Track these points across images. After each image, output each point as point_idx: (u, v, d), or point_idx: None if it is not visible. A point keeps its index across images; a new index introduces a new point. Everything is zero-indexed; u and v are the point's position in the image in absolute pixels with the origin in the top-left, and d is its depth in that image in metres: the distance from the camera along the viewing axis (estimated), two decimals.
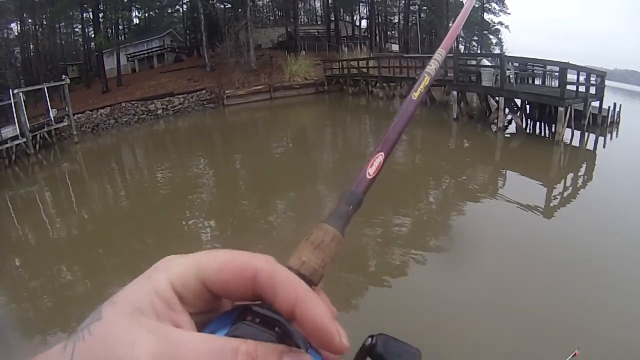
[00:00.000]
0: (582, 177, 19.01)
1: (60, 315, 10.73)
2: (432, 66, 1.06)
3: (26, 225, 19.21)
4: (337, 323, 0.56)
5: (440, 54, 1.12)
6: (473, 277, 10.02)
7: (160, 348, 0.49)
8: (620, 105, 28.79)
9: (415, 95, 0.96)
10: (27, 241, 17.68)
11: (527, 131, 25.38)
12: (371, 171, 0.81)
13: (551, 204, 15.05)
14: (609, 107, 27.00)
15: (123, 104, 46.12)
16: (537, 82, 33.66)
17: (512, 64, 26.90)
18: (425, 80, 1.00)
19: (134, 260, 12.87)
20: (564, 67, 22.58)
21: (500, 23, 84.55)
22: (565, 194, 16.53)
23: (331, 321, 0.55)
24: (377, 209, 14.68)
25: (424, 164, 22.04)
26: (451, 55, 37.08)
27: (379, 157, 0.84)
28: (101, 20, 56.52)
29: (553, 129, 23.76)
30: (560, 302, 8.96)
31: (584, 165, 20.56)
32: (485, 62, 29.36)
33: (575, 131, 23.66)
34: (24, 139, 34.38)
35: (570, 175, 19.02)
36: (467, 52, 75.23)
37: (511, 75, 26.16)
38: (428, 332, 8.15)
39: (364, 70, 45.38)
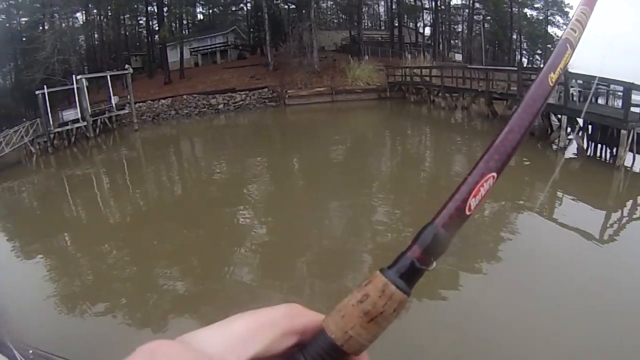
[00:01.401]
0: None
1: (102, 291, 10.73)
2: (576, 32, 0.80)
3: (80, 203, 19.68)
4: None
5: (584, 12, 0.82)
6: (518, 300, 9.38)
7: None
8: None
9: (552, 78, 0.72)
10: (80, 219, 18.01)
11: (588, 153, 24.31)
12: (473, 204, 0.62)
13: (606, 232, 14.13)
14: None
15: (185, 96, 46.61)
16: (601, 101, 32.61)
17: (576, 81, 25.86)
18: (567, 55, 0.76)
19: (182, 248, 12.95)
20: (628, 87, 21.28)
21: None
22: (621, 222, 15.58)
23: None
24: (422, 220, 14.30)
25: None
26: (515, 68, 36.30)
27: (490, 180, 0.64)
28: (165, 14, 57.26)
29: (614, 152, 22.70)
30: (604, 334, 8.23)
31: None
32: None
33: (637, 155, 22.60)
34: (85, 123, 35.20)
35: (629, 202, 18.00)
36: (531, 66, 73.81)
37: (574, 93, 25.16)
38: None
39: (427, 78, 44.59)
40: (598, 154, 24.07)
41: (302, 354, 0.54)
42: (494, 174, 0.63)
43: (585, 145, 23.79)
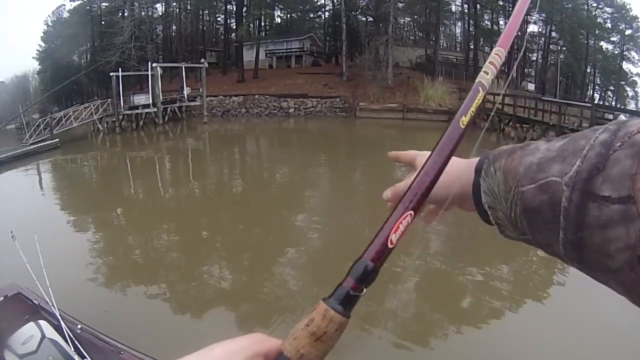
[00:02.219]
0: None
1: (148, 272, 10.76)
2: (489, 75, 0.88)
3: (140, 185, 19.97)
4: None
5: (498, 54, 0.92)
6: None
7: None
8: None
9: (464, 121, 0.82)
10: (136, 199, 18.31)
11: None
12: (394, 238, 0.70)
13: None
14: None
15: (256, 96, 46.96)
16: None
17: None
18: (479, 97, 0.84)
19: (234, 245, 12.84)
20: None
21: (639, 75, 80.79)
22: None
23: None
24: (477, 254, 13.30)
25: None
26: (589, 104, 35.28)
27: (407, 218, 0.72)
28: (244, 14, 58.01)
29: None
30: None
31: None
32: (622, 117, 27.34)
33: None
34: (155, 109, 35.90)
35: None
36: (602, 102, 72.26)
37: None
38: None
39: (499, 106, 43.84)
40: None
41: None
42: (411, 212, 0.70)
43: None
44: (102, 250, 11.96)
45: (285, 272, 10.77)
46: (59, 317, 5.64)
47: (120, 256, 11.68)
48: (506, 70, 58.11)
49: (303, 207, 17.26)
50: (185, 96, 40.53)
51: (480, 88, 0.82)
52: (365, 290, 0.65)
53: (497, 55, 0.89)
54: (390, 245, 0.66)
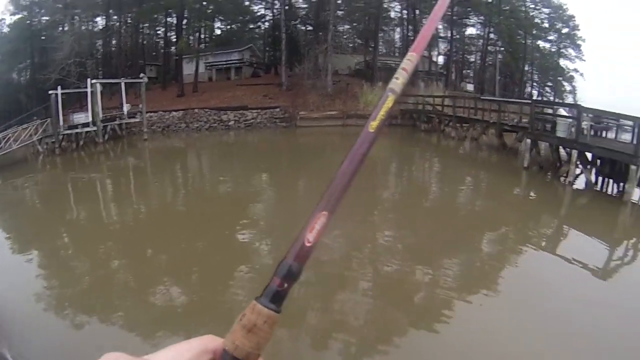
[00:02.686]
0: None
1: (97, 298, 10.70)
2: (400, 79, 0.92)
3: (82, 207, 19.71)
4: None
5: (410, 59, 0.95)
6: (514, 333, 9.30)
7: None
8: None
9: (372, 126, 0.86)
10: (79, 223, 18.05)
11: (597, 187, 24.27)
12: (311, 237, 0.77)
13: (610, 266, 14.12)
14: None
15: (196, 110, 46.93)
16: (610, 135, 32.56)
17: (588, 115, 25.88)
18: (388, 102, 0.89)
19: (180, 261, 12.97)
20: None
21: (575, 70, 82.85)
22: (626, 258, 15.57)
23: None
24: (428, 249, 14.50)
25: (485, 210, 20.88)
26: (529, 101, 36.37)
27: (322, 218, 0.78)
28: (184, 27, 57.90)
29: (622, 187, 22.69)
30: None
31: None
32: (562, 111, 28.41)
33: None
34: (95, 128, 35.44)
35: (633, 239, 17.96)
36: (541, 98, 73.90)
37: (586, 128, 25.21)
38: None
39: (439, 108, 44.75)
40: (606, 188, 24.09)
41: None
42: (325, 212, 0.77)
43: (593, 179, 23.77)
44: (47, 277, 12.08)
45: (236, 285, 11.24)
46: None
47: (66, 282, 11.71)
48: (445, 73, 59.54)
49: (247, 219, 17.61)
50: (125, 113, 39.96)
51: (390, 93, 0.88)
52: (291, 286, 0.75)
53: (409, 60, 0.94)
54: (307, 244, 0.75)
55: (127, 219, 18.14)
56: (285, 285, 0.74)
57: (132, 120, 40.78)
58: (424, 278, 12.21)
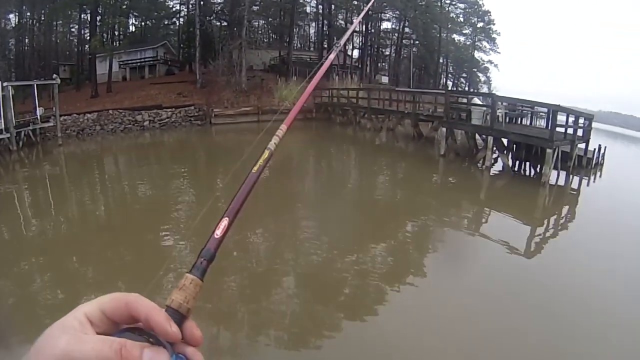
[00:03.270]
0: (565, 217, 19.25)
1: (19, 313, 10.76)
2: (273, 141, 1.40)
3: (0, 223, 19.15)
4: (171, 322, 0.87)
5: (282, 129, 1.49)
6: (446, 316, 10.02)
7: (72, 340, 0.80)
8: (605, 147, 29.71)
9: (255, 169, 1.26)
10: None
11: (514, 171, 25.56)
12: (219, 232, 1.09)
13: (533, 245, 15.06)
14: (594, 149, 27.65)
15: (110, 111, 45.86)
16: (525, 122, 34.01)
17: (502, 103, 27.06)
18: (264, 155, 1.31)
19: (105, 269, 13.04)
20: (555, 110, 22.78)
21: (490, 62, 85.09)
22: (547, 234, 16.68)
23: (165, 321, 0.86)
24: (354, 240, 15.06)
25: (406, 198, 21.94)
26: (443, 91, 37.67)
27: (225, 221, 1.12)
28: (98, 23, 56.51)
29: (539, 170, 24.07)
30: (535, 343, 9.09)
31: (567, 207, 20.91)
32: (477, 100, 29.71)
33: (560, 172, 24.03)
34: (8, 135, 34.06)
35: (553, 217, 19.16)
36: (455, 89, 75.67)
37: (501, 115, 26.38)
38: None
39: (354, 100, 45.76)
40: (523, 171, 25.46)
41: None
42: (227, 218, 1.13)
43: (510, 164, 25.06)
44: None
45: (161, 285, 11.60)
46: None
47: None
48: (359, 66, 60.30)
49: (168, 223, 17.73)
50: (39, 117, 38.72)
51: (266, 150, 1.32)
52: (210, 264, 1.04)
53: (281, 130, 1.47)
54: (216, 236, 1.07)
55: (47, 231, 17.87)
56: (205, 262, 1.03)
57: (46, 124, 39.61)
58: (350, 267, 12.90)
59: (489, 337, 9.16)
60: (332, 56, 2.11)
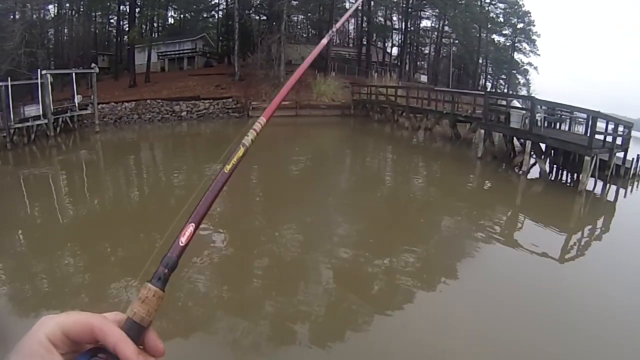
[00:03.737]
0: (600, 228, 18.33)
1: (55, 298, 10.58)
2: (250, 137, 1.27)
3: (36, 205, 19.17)
4: (140, 356, 0.88)
5: (260, 122, 1.34)
6: (474, 322, 9.43)
7: None
8: None
9: (227, 168, 1.17)
10: (34, 221, 17.48)
11: (550, 177, 24.81)
12: (183, 240, 1.03)
13: (566, 254, 14.49)
14: (633, 158, 26.50)
15: (148, 101, 46.16)
16: (564, 127, 33.12)
17: (542, 107, 26.35)
18: (239, 152, 1.20)
19: (138, 254, 12.56)
20: (595, 116, 21.72)
21: (530, 64, 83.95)
22: (581, 244, 16.00)
23: (133, 354, 0.87)
24: (384, 241, 14.54)
25: (440, 199, 21.18)
26: (482, 92, 36.89)
27: (190, 228, 1.06)
28: (137, 15, 56.83)
29: (575, 177, 23.26)
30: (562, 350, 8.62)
31: (603, 217, 19.82)
32: (516, 103, 28.89)
33: (597, 181, 23.20)
34: (46, 120, 34.50)
35: (588, 227, 18.45)
36: (494, 90, 74.70)
37: (540, 119, 25.66)
38: None
39: (392, 98, 45.03)
40: (560, 177, 24.65)
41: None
42: (193, 224, 1.07)
43: (547, 170, 24.30)
44: (3, 280, 11.57)
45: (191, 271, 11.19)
46: None
47: (24, 283, 11.33)
48: (399, 64, 59.83)
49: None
50: (77, 105, 39.21)
51: (241, 146, 1.22)
52: (171, 273, 1.00)
53: (259, 123, 1.33)
54: (181, 244, 1.02)
55: (82, 215, 17.70)
56: (167, 271, 1.00)
57: (84, 112, 40.01)
58: (381, 266, 12.48)
59: (511, 348, 8.71)
60: (324, 41, 1.95)
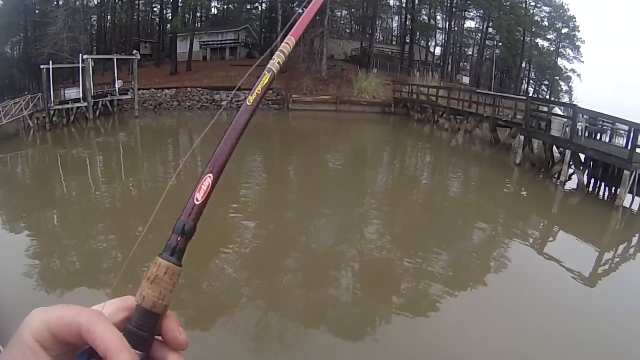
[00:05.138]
0: (635, 247, 17.60)
1: (84, 275, 10.69)
2: (277, 60, 1.04)
3: (72, 185, 19.40)
4: (159, 351, 0.78)
5: (289, 42, 1.10)
6: (498, 332, 9.14)
7: None
8: None
9: (250, 100, 0.97)
10: (69, 200, 17.79)
11: (588, 189, 23.97)
12: (199, 196, 0.84)
13: (598, 271, 13.88)
14: None
15: (189, 89, 46.50)
16: (605, 138, 32.23)
17: (583, 116, 25.57)
18: (264, 80, 1.00)
19: (166, 236, 12.46)
20: (637, 129, 20.74)
21: (573, 71, 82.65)
22: (614, 263, 15.37)
23: None
24: (417, 242, 14.41)
25: (475, 204, 20.73)
26: (524, 97, 36.08)
27: (208, 180, 0.86)
28: (180, 4, 57.28)
29: (613, 191, 22.40)
30: None
31: (638, 235, 19.14)
32: (558, 110, 28.08)
33: (635, 197, 22.30)
34: (85, 104, 35.05)
35: (623, 245, 17.67)
36: (537, 96, 73.65)
37: (581, 129, 24.91)
38: None
39: (433, 98, 44.40)
40: (597, 191, 23.83)
41: (129, 323, 0.76)
42: (210, 175, 0.85)
43: (585, 181, 23.48)
44: (38, 254, 11.91)
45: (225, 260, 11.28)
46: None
47: (56, 259, 11.62)
48: (441, 64, 59.21)
49: (232, 200, 17.35)
50: (117, 90, 39.69)
51: (267, 72, 1.00)
52: (188, 242, 0.82)
53: (287, 44, 1.09)
54: (196, 202, 0.83)
55: (117, 196, 17.89)
56: (181, 240, 0.81)
57: (124, 97, 40.46)
58: (410, 268, 12.17)
59: None
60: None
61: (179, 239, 0.80)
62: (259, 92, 0.96)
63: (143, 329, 0.76)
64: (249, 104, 0.94)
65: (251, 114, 0.94)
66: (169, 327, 0.77)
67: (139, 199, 17.94)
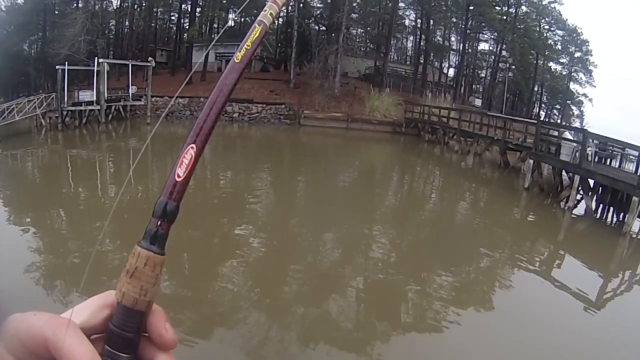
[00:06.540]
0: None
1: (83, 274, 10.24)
2: (268, 11, 0.91)
3: (80, 185, 19.67)
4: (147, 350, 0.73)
5: None
6: (500, 356, 9.18)
7: None
8: None
9: (238, 57, 0.86)
10: (75, 200, 17.97)
11: (596, 215, 23.93)
12: (181, 171, 0.76)
13: (603, 297, 13.95)
14: None
15: (202, 99, 45.77)
16: (614, 163, 32.13)
17: (593, 141, 25.57)
18: (255, 32, 0.89)
19: (174, 249, 12.43)
20: None
21: (585, 95, 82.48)
22: (619, 290, 15.39)
23: None
24: (422, 262, 14.41)
25: (482, 227, 20.50)
26: (534, 121, 36.07)
27: (190, 152, 0.78)
28: (198, 15, 58.17)
29: (621, 217, 22.37)
30: None
31: None
32: (567, 135, 28.10)
33: None
34: (98, 107, 35.29)
35: (629, 272, 17.64)
36: (548, 120, 73.54)
37: (590, 154, 24.90)
38: None
39: (444, 120, 44.46)
40: (605, 217, 23.79)
41: (111, 322, 0.70)
42: (192, 145, 0.78)
43: (593, 207, 23.46)
44: (41, 251, 12.03)
45: (227, 276, 11.25)
46: None
47: (59, 258, 11.69)
48: (454, 85, 59.46)
49: (244, 213, 17.53)
50: (131, 95, 40.08)
51: (257, 24, 0.88)
52: (170, 225, 0.75)
53: None
54: (177, 179, 0.74)
55: (123, 199, 17.61)
56: (162, 224, 0.73)
57: (137, 103, 40.81)
58: (413, 288, 12.15)
59: None
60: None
61: (159, 222, 0.74)
62: (247, 47, 0.87)
63: (126, 329, 0.71)
64: (236, 60, 0.86)
65: (240, 73, 0.85)
66: (154, 324, 0.72)
67: (143, 203, 17.86)
